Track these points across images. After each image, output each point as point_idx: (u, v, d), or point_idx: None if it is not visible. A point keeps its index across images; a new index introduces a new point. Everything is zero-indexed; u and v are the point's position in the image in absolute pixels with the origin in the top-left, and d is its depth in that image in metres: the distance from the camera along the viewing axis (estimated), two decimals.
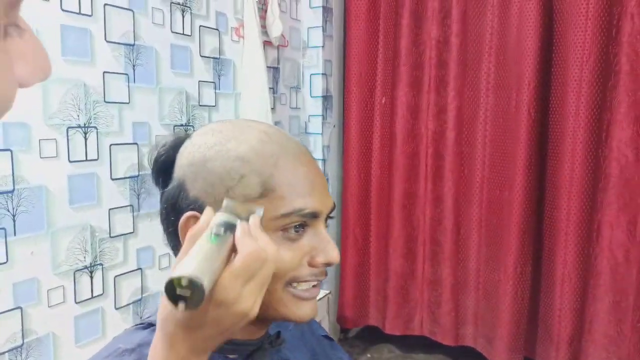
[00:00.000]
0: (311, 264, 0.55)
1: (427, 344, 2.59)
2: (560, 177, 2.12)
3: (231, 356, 0.57)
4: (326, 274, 0.58)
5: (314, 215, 0.55)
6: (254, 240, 0.46)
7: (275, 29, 2.21)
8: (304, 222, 0.54)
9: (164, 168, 0.59)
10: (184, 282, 0.40)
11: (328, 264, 0.56)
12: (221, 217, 0.47)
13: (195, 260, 0.42)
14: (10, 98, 0.34)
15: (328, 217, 0.58)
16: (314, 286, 0.56)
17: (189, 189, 0.54)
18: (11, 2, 0.32)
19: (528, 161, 2.15)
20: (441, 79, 2.41)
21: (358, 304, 2.68)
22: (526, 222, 2.19)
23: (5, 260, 1.33)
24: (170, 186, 0.56)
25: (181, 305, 0.41)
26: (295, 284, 0.55)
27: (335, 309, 2.73)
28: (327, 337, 0.74)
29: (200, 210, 0.51)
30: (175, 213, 0.55)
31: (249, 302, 0.45)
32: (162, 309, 0.46)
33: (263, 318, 0.55)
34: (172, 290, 0.41)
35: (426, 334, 2.57)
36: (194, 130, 0.64)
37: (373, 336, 2.71)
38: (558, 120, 2.13)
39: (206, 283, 0.41)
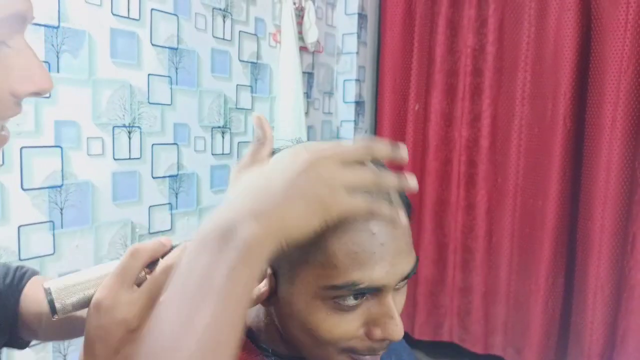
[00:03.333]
0: (368, 336, 0.48)
1: (455, 351, 2.58)
2: (595, 188, 2.10)
3: None
4: (387, 348, 0.51)
5: (376, 290, 0.48)
6: (172, 254, 0.49)
7: (311, 35, 2.25)
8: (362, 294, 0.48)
9: None
10: (44, 288, 0.47)
11: (386, 340, 0.49)
12: None
13: (71, 275, 0.48)
14: (2, 103, 0.41)
15: (406, 278, 0.51)
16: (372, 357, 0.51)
17: None
18: (3, 24, 0.39)
19: (563, 171, 2.13)
20: (476, 86, 2.41)
21: None
22: (559, 232, 2.17)
23: (52, 252, 1.40)
24: None
25: (51, 313, 0.47)
26: (351, 354, 0.50)
27: None
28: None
29: None
30: None
31: (133, 310, 0.44)
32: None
33: None
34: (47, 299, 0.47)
35: (455, 340, 2.56)
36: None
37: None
38: (594, 130, 2.11)
39: (55, 286, 0.46)
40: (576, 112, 2.11)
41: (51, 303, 0.45)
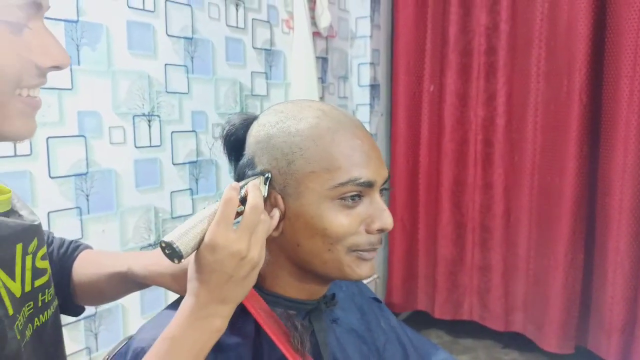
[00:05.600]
0: (367, 231, 0.60)
1: (476, 329, 2.61)
2: (613, 164, 2.09)
3: (291, 312, 0.64)
4: (381, 242, 0.63)
5: (370, 185, 0.59)
6: (253, 195, 0.56)
7: (324, 20, 2.27)
8: (360, 191, 0.59)
9: (234, 146, 0.66)
10: (163, 244, 0.54)
11: (382, 230, 0.60)
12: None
13: (177, 229, 0.54)
14: (26, 74, 0.52)
15: (383, 188, 0.63)
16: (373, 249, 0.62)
17: (257, 163, 0.61)
18: (22, 9, 0.50)
19: (580, 148, 2.12)
20: (490, 65, 2.41)
21: (406, 289, 2.73)
22: (577, 208, 2.17)
23: (80, 237, 1.47)
24: (241, 161, 0.64)
25: (175, 260, 0.54)
26: (355, 251, 0.60)
27: (384, 293, 2.78)
28: (375, 299, 0.80)
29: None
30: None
31: (242, 244, 0.54)
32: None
33: (324, 277, 0.63)
34: (164, 252, 0.54)
35: (476, 319, 2.59)
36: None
37: (422, 321, 2.75)
38: (611, 106, 2.09)
39: (180, 243, 0.53)
40: (592, 88, 2.09)
41: (175, 251, 0.53)
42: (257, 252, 0.55)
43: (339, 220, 0.58)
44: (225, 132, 0.67)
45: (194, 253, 0.55)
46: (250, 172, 0.61)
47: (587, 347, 2.28)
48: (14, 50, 0.50)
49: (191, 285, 0.56)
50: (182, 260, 0.54)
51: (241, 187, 0.57)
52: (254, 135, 0.63)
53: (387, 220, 0.60)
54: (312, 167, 0.58)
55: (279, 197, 0.60)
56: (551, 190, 2.25)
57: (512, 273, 2.45)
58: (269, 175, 0.59)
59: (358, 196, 0.59)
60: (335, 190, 0.58)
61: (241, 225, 0.55)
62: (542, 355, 2.38)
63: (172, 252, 0.53)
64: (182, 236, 0.53)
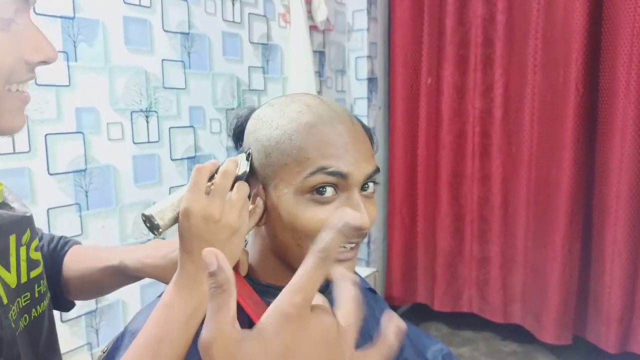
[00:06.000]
0: None
1: (475, 322, 2.62)
2: (610, 154, 2.09)
3: None
4: (363, 238, 0.61)
5: (342, 175, 0.56)
6: (225, 164, 0.59)
7: (321, 14, 2.27)
8: (333, 183, 0.57)
9: (239, 137, 0.68)
10: (143, 218, 0.57)
11: (356, 229, 0.59)
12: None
13: (156, 204, 0.58)
14: (16, 70, 0.52)
15: (373, 182, 0.61)
16: (351, 248, 0.60)
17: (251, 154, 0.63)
18: (10, 5, 0.50)
19: (577, 138, 2.13)
20: (487, 57, 2.41)
21: (406, 282, 2.74)
22: (575, 199, 2.18)
23: (80, 233, 1.47)
24: (240, 150, 0.66)
25: (155, 232, 0.57)
26: None
27: (383, 287, 2.80)
28: (370, 289, 0.81)
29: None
30: None
31: (213, 208, 0.55)
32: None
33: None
34: (145, 225, 0.58)
35: (475, 311, 2.60)
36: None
37: (421, 313, 2.76)
38: (608, 96, 2.09)
39: (154, 211, 0.56)
40: (589, 78, 2.10)
41: (153, 223, 0.56)
42: (234, 217, 0.57)
43: (307, 215, 0.57)
44: (232, 124, 0.68)
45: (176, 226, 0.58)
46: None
47: (585, 338, 2.29)
48: (3, 47, 0.51)
49: (178, 256, 0.58)
50: (161, 231, 0.57)
51: (221, 164, 0.60)
52: (248, 127, 0.65)
53: (362, 219, 0.56)
54: (285, 159, 0.58)
55: (261, 188, 0.61)
56: (548, 181, 2.26)
57: (511, 264, 2.46)
58: (250, 152, 0.61)
59: (334, 190, 0.57)
60: (305, 182, 0.57)
61: (212, 190, 0.57)
62: (541, 347, 2.40)
63: (151, 225, 0.56)
64: (158, 207, 0.57)
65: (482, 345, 2.53)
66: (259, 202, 0.61)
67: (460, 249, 2.61)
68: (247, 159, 0.61)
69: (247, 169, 0.61)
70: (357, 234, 0.59)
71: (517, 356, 2.43)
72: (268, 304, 0.59)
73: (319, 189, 0.57)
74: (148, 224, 0.57)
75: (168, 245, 0.69)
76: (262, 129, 0.61)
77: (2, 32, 0.50)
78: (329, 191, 0.57)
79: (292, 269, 0.62)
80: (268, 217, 0.61)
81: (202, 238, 0.56)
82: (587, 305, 2.28)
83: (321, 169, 0.56)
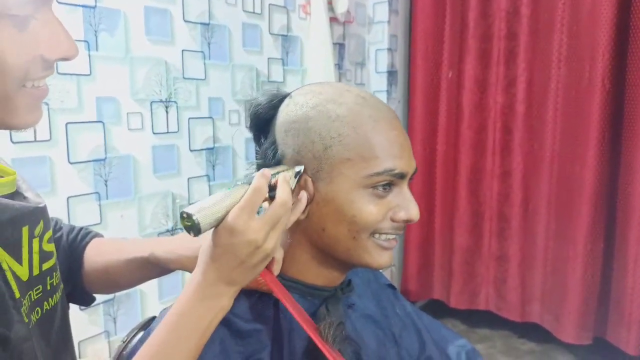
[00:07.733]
0: (393, 219, 0.60)
1: (492, 319, 2.59)
2: (636, 152, 2.04)
3: (310, 298, 0.65)
4: (404, 229, 0.64)
5: (402, 176, 0.60)
6: (283, 191, 0.55)
7: (341, 5, 2.25)
8: (391, 181, 0.59)
9: (259, 125, 0.65)
10: (184, 215, 0.53)
11: (408, 221, 0.61)
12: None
13: (201, 202, 0.54)
14: (32, 69, 0.51)
15: (411, 178, 0.64)
16: (393, 238, 0.63)
17: (281, 145, 0.61)
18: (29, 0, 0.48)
19: (601, 135, 2.08)
20: (511, 51, 2.37)
21: (422, 277, 2.72)
22: (598, 198, 2.13)
23: (99, 222, 1.48)
24: (268, 140, 0.63)
25: (191, 233, 0.54)
26: (377, 235, 0.61)
27: (399, 281, 2.78)
28: (390, 285, 0.80)
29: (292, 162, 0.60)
30: (276, 162, 0.62)
31: (260, 234, 0.54)
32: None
33: (345, 264, 0.64)
34: (183, 223, 0.54)
35: (492, 309, 2.57)
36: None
37: (437, 310, 2.74)
38: (634, 92, 2.04)
39: (200, 216, 0.53)
40: (615, 73, 2.04)
41: (194, 223, 0.53)
42: (272, 244, 0.56)
43: (369, 208, 0.58)
44: (251, 111, 0.65)
45: (211, 231, 0.56)
46: (279, 162, 0.61)
47: (605, 339, 2.25)
48: (19, 46, 0.49)
49: (201, 260, 0.57)
50: (199, 235, 0.54)
51: (272, 176, 0.57)
52: (287, 113, 0.62)
53: (413, 211, 0.60)
54: (349, 154, 0.58)
55: (309, 180, 0.60)
56: (571, 178, 2.21)
57: (530, 263, 2.42)
58: (301, 170, 0.59)
59: (389, 185, 0.60)
60: (369, 179, 0.58)
61: (265, 216, 0.55)
62: (560, 346, 2.36)
63: (191, 225, 0.54)
64: (202, 210, 0.53)
65: (499, 342, 2.50)
66: (303, 195, 0.60)
67: (478, 246, 2.58)
68: (296, 177, 0.59)
69: (293, 187, 0.59)
70: (404, 225, 0.62)
71: (535, 355, 2.39)
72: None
73: (383, 185, 0.59)
74: (187, 222, 0.54)
75: (200, 239, 0.68)
76: (316, 119, 0.59)
77: (18, 32, 0.48)
78: (387, 187, 0.60)
79: (337, 262, 0.63)
80: (316, 210, 0.60)
81: (236, 256, 0.55)
82: (608, 305, 2.24)
83: (388, 171, 0.58)
